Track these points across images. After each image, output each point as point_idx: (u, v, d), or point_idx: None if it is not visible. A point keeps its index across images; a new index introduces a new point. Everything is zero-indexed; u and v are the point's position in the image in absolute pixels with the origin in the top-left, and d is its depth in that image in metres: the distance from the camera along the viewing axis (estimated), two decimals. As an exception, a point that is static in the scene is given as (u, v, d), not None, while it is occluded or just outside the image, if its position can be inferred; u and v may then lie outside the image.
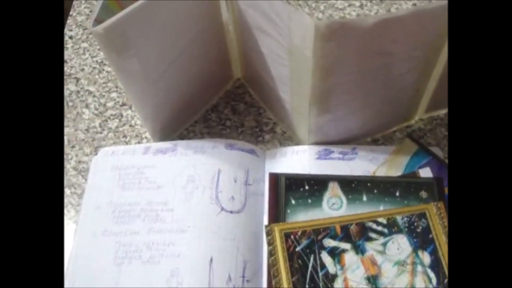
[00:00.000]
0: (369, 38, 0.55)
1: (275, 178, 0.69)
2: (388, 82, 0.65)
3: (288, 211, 0.66)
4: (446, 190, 0.67)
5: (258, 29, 0.63)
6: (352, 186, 0.68)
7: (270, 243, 0.63)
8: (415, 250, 0.62)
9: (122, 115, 0.81)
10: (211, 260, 0.62)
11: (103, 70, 0.87)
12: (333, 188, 0.68)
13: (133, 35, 0.58)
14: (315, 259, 0.62)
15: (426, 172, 0.69)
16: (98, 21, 0.56)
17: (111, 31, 0.55)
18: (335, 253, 0.62)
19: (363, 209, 0.66)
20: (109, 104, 0.82)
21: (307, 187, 0.68)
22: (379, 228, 0.64)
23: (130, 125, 0.79)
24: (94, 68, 0.88)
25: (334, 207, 0.66)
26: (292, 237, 0.63)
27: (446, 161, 0.70)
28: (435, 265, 0.61)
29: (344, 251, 0.63)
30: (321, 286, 0.60)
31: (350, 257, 0.62)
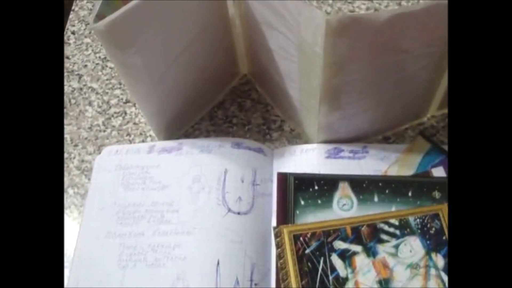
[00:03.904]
0: (382, 34, 0.53)
1: (283, 178, 0.67)
2: (400, 79, 0.63)
3: (297, 212, 0.65)
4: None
5: (266, 24, 0.61)
6: (363, 186, 0.66)
7: (279, 245, 0.62)
8: (428, 253, 0.60)
9: (126, 113, 0.79)
10: (218, 263, 0.61)
11: (106, 66, 0.85)
12: (344, 188, 0.66)
13: (135, 31, 0.57)
14: (325, 262, 0.60)
15: (439, 172, 0.67)
16: (99, 17, 0.54)
17: (113, 28, 0.54)
18: (346, 256, 0.61)
19: (375, 209, 0.64)
20: (113, 102, 0.81)
21: (316, 187, 0.66)
22: (391, 229, 0.62)
23: (134, 123, 0.78)
24: (97, 64, 0.86)
25: (344, 207, 0.65)
26: (301, 239, 0.62)
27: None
28: (449, 268, 0.59)
29: (355, 253, 0.61)
30: (331, 290, 0.59)
31: (361, 260, 0.61)
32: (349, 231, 0.62)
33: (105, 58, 0.86)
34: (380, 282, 0.59)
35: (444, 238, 0.61)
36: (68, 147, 0.76)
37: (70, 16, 0.93)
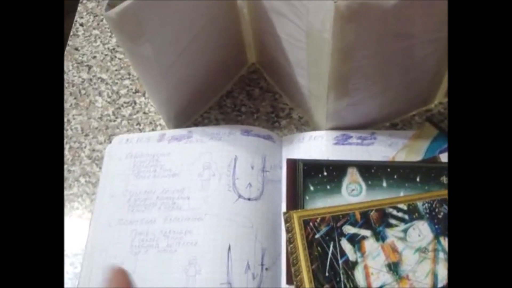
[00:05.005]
0: (390, 19, 0.54)
1: (292, 164, 0.68)
2: (408, 65, 0.63)
3: (307, 197, 0.65)
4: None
5: (275, 12, 0.61)
6: (372, 172, 0.66)
7: (289, 230, 0.62)
8: (436, 237, 0.61)
9: (135, 103, 0.80)
10: (229, 248, 0.61)
11: (115, 57, 0.86)
12: (352, 174, 0.66)
13: (146, 19, 0.57)
14: (334, 247, 0.61)
15: (447, 157, 0.67)
16: (110, 5, 0.55)
17: (124, 16, 0.54)
18: (355, 240, 0.61)
19: (383, 195, 0.65)
20: (122, 92, 0.81)
21: (325, 173, 0.67)
22: (400, 214, 0.63)
23: (144, 113, 0.78)
24: (106, 55, 0.86)
25: (353, 193, 0.65)
26: (311, 224, 0.62)
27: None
28: (458, 251, 0.60)
29: (364, 238, 0.61)
30: (341, 274, 0.59)
31: (370, 244, 0.61)
32: (358, 216, 0.63)
33: (113, 49, 0.87)
34: (389, 265, 0.60)
35: (452, 222, 0.62)
36: (79, 137, 0.77)
37: (79, 8, 0.93)
